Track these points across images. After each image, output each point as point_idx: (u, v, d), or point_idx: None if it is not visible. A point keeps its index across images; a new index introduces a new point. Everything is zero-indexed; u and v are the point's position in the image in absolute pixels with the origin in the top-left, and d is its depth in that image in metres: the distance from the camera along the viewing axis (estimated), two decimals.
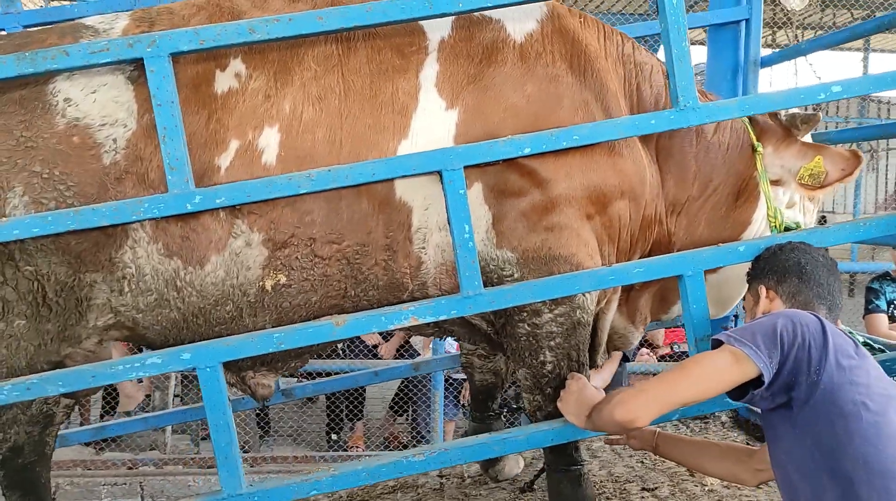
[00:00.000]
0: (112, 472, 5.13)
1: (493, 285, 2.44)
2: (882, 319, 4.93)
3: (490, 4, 2.30)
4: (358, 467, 2.32)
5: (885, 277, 5.17)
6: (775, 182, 2.71)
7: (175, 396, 6.12)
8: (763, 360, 1.85)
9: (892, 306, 5.08)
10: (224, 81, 2.35)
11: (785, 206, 2.74)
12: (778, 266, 2.17)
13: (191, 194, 2.19)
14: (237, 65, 2.36)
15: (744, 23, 3.79)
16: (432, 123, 2.38)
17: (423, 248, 2.42)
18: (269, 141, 2.31)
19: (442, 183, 2.26)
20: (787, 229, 2.64)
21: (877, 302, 5.02)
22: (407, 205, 2.39)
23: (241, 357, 2.27)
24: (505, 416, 3.44)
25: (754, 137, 2.69)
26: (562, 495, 2.60)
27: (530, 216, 2.41)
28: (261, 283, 2.34)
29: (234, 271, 2.32)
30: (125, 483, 4.99)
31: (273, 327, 2.37)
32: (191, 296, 2.33)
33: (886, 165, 12.77)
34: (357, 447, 6.41)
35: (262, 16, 2.35)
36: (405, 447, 6.50)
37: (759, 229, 2.73)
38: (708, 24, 3.96)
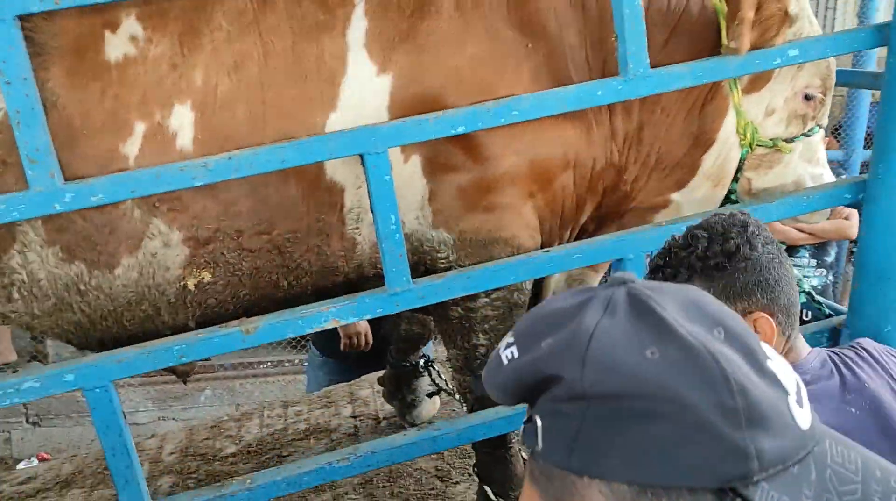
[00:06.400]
0: None
1: (425, 266, 2.23)
2: None
3: None
4: (277, 477, 2.13)
5: None
6: (751, 86, 2.28)
7: None
8: None
9: None
10: (117, 47, 1.93)
11: (763, 115, 2.31)
12: (762, 273, 1.45)
13: (59, 191, 1.80)
14: (132, 25, 1.94)
15: None
16: (363, 93, 2.04)
17: (357, 228, 2.15)
18: (182, 121, 1.94)
19: (364, 168, 1.96)
20: (759, 146, 2.30)
21: None
22: (339, 185, 2.09)
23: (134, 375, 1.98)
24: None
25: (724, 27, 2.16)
26: (490, 474, 2.51)
27: (470, 195, 2.15)
28: (182, 282, 2.05)
29: (149, 272, 2.02)
30: None
31: (196, 323, 2.11)
32: (98, 299, 2.03)
33: None
34: None
35: None
36: None
37: (724, 149, 2.32)
38: None
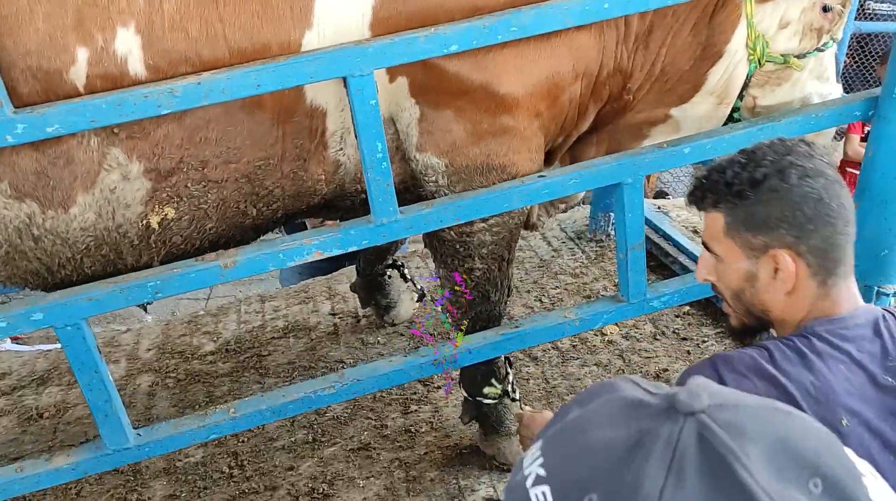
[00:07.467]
0: None
1: (413, 190, 2.10)
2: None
3: None
4: (261, 406, 2.09)
5: None
6: None
7: None
8: None
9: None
10: None
11: (776, 28, 2.14)
12: (790, 207, 1.30)
13: (9, 121, 1.62)
14: None
15: None
16: (342, 6, 1.82)
17: (341, 149, 2.00)
18: (130, 46, 1.71)
19: (347, 92, 1.78)
20: (769, 61, 2.15)
21: None
22: (320, 109, 1.91)
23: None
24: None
25: None
26: (475, 386, 2.50)
27: (467, 119, 1.99)
28: (144, 221, 1.89)
29: (108, 212, 1.85)
30: None
31: (161, 263, 1.98)
32: (54, 246, 1.86)
33: None
34: None
35: None
36: None
37: (731, 64, 2.15)
38: None
